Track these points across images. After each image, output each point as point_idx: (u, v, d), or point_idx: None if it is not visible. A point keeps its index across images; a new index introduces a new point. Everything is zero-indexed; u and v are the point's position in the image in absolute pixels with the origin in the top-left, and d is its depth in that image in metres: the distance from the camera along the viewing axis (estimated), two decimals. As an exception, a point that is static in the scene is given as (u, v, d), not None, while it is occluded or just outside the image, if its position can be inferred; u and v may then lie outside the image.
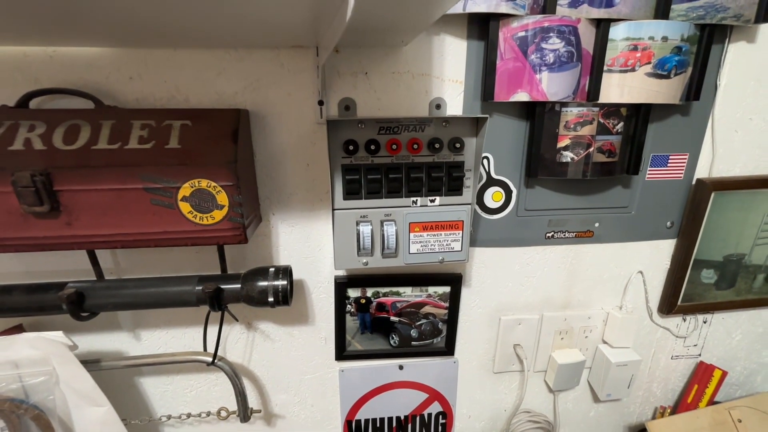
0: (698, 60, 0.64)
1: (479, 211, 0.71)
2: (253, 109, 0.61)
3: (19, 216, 0.50)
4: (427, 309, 0.75)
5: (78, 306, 0.56)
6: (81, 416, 0.62)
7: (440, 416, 0.85)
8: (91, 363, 0.64)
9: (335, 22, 0.42)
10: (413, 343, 0.78)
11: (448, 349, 0.79)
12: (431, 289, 0.74)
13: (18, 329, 0.65)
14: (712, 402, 0.86)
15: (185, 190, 0.52)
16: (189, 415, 0.73)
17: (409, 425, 0.85)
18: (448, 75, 0.63)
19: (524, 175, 0.69)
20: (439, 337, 0.78)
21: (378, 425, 0.83)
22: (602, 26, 0.60)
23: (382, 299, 0.74)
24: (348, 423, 0.82)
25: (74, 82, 0.56)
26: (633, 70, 0.61)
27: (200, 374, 0.75)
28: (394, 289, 0.73)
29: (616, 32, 0.60)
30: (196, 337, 0.71)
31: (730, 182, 0.72)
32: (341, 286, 0.71)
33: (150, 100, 0.58)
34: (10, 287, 0.57)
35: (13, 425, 0.58)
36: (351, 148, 0.56)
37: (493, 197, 0.70)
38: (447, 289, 0.74)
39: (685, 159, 0.72)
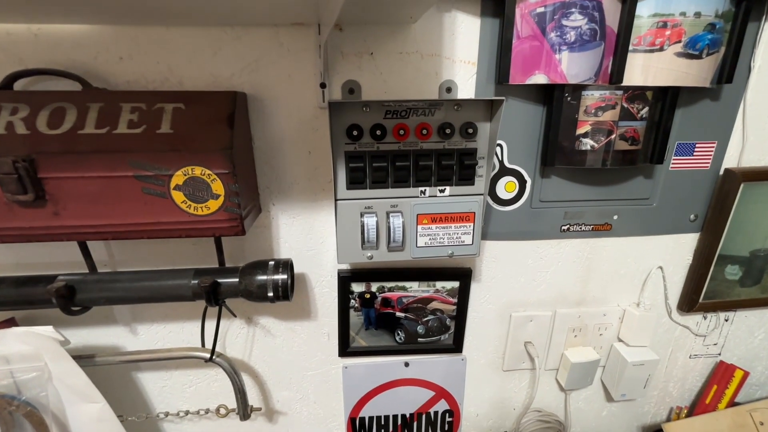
0: (732, 38, 0.59)
1: (491, 202, 0.67)
2: (251, 91, 0.57)
3: (3, 205, 0.47)
4: (434, 305, 0.72)
5: (68, 300, 0.54)
6: (75, 413, 0.60)
7: (447, 414, 0.82)
8: (85, 358, 0.62)
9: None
10: (420, 339, 0.75)
11: (456, 346, 0.76)
12: (439, 284, 0.70)
13: (11, 323, 0.63)
14: (732, 403, 0.83)
15: (178, 178, 0.48)
16: (188, 412, 0.71)
17: (415, 423, 0.82)
18: (459, 56, 0.59)
19: (540, 164, 0.65)
20: (446, 334, 0.75)
21: (383, 423, 0.81)
22: (629, 1, 0.55)
23: (388, 294, 0.70)
24: (352, 420, 0.80)
25: (61, 62, 0.53)
26: (661, 49, 0.56)
27: (199, 370, 0.72)
28: (400, 284, 0.70)
29: (644, 8, 0.55)
30: (195, 331, 0.69)
31: (761, 172, 0.68)
32: (345, 280, 0.68)
33: (142, 82, 0.55)
34: (-2, 280, 0.54)
35: (5, 422, 0.56)
36: (355, 133, 0.53)
37: (505, 187, 0.66)
38: (456, 284, 0.71)
39: (713, 147, 0.67)
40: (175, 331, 0.69)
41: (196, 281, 0.55)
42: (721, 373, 0.83)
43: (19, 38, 0.51)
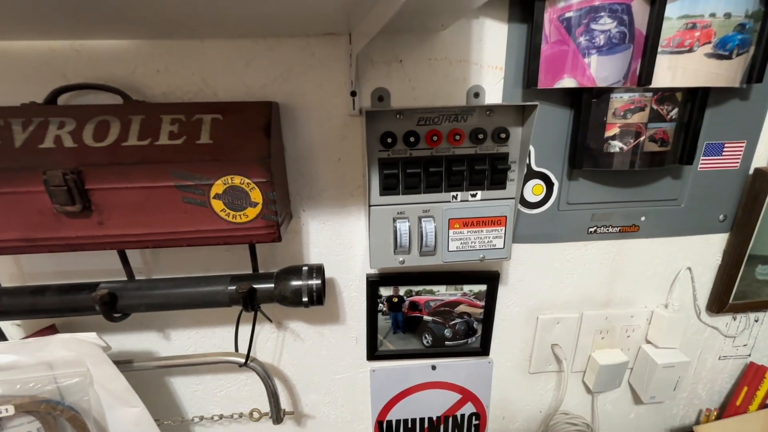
0: (762, 38, 0.58)
1: (518, 205, 0.67)
2: (283, 101, 0.58)
3: (52, 216, 0.49)
4: (461, 308, 0.72)
5: (111, 307, 0.55)
6: (115, 417, 0.61)
7: (473, 417, 0.82)
8: (123, 363, 0.63)
9: (380, 6, 0.39)
10: (447, 343, 0.75)
11: (483, 349, 0.76)
12: (466, 288, 0.71)
13: (51, 330, 0.65)
14: (763, 405, 0.81)
15: (218, 187, 0.49)
16: (221, 416, 0.72)
17: (442, 426, 0.82)
18: (487, 61, 0.59)
19: (567, 167, 0.65)
20: (473, 337, 0.75)
21: (410, 426, 0.81)
22: (658, 3, 0.55)
23: (415, 298, 0.71)
24: (379, 423, 0.80)
25: (101, 76, 0.54)
26: (691, 50, 0.56)
27: (229, 374, 0.73)
28: (428, 288, 0.70)
29: (673, 9, 0.55)
30: (226, 336, 0.70)
31: (792, 171, 0.67)
32: (373, 284, 0.69)
33: (178, 93, 0.56)
34: (44, 288, 0.56)
35: (49, 426, 0.58)
36: (389, 140, 0.53)
37: (533, 190, 0.66)
38: (483, 287, 0.71)
39: (742, 147, 0.67)
40: (207, 336, 0.70)
41: (234, 287, 0.56)
42: (752, 375, 0.82)
43: (62, 54, 0.53)
